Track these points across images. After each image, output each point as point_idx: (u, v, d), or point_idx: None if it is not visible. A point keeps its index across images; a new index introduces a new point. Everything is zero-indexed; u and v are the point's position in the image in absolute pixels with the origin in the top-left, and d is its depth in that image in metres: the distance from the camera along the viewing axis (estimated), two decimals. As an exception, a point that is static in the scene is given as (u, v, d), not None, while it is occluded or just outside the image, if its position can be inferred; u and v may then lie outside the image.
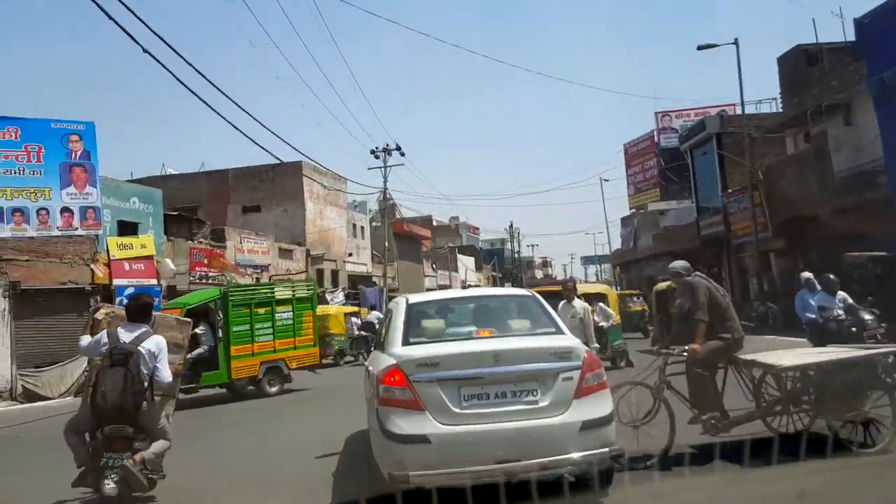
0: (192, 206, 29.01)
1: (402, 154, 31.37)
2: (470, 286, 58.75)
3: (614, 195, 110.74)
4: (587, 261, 66.00)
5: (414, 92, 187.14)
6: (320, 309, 22.38)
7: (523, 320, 5.45)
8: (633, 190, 46.68)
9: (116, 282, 19.95)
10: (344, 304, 29.04)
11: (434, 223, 54.73)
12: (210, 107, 14.21)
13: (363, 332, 21.29)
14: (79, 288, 18.72)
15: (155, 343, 5.45)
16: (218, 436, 9.35)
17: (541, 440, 4.44)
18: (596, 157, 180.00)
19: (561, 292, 9.80)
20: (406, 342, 5.00)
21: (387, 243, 32.90)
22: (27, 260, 17.52)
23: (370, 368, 5.42)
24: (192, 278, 23.45)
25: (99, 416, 5.20)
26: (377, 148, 31.64)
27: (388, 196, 31.98)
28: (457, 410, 4.45)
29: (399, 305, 5.59)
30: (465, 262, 56.70)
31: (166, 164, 33.78)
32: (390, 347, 5.04)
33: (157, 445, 5.40)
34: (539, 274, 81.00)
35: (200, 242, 24.54)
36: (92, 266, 19.29)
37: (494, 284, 67.56)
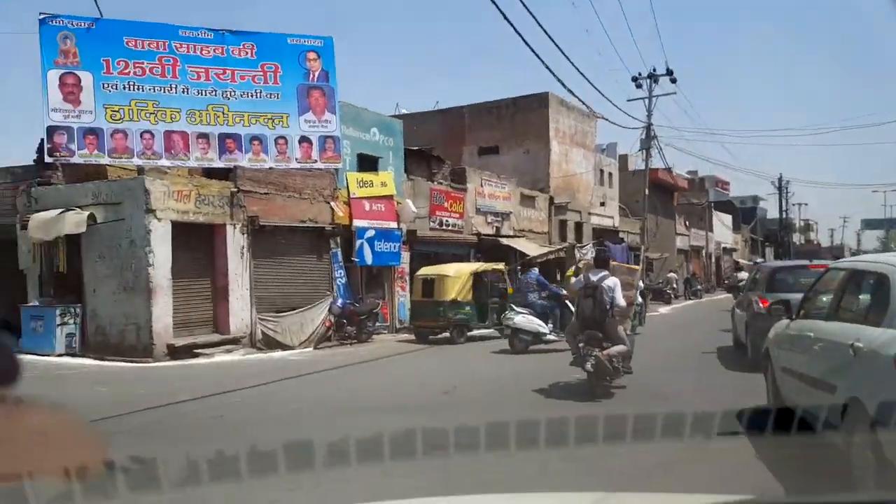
0: (427, 149, 26.32)
1: (674, 80, 25.72)
2: (725, 248, 50.69)
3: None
4: (868, 224, 53.18)
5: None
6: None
7: None
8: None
9: (356, 223, 17.55)
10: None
11: (673, 174, 47.49)
12: (514, 27, 10.57)
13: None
14: (318, 227, 16.49)
15: (612, 281, 8.22)
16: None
17: None
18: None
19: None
20: None
21: (647, 192, 27.66)
22: (265, 193, 15.49)
23: None
24: (431, 223, 20.61)
25: (581, 325, 8.32)
26: (640, 74, 26.37)
27: (651, 133, 26.61)
28: None
29: None
30: (724, 220, 48.40)
31: (399, 105, 31.33)
32: None
33: (618, 348, 8.11)
34: (799, 239, 68.57)
35: (440, 183, 21.58)
36: (332, 204, 16.98)
37: (754, 249, 58.15)
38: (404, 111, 31.39)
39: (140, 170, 13.82)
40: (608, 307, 7.98)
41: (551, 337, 12.93)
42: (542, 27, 13.51)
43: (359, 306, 15.45)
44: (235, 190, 14.68)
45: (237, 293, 14.52)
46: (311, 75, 17.09)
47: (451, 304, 14.81)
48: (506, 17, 11.82)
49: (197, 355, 13.16)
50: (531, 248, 22.88)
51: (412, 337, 16.09)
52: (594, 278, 8.10)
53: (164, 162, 15.27)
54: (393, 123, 19.79)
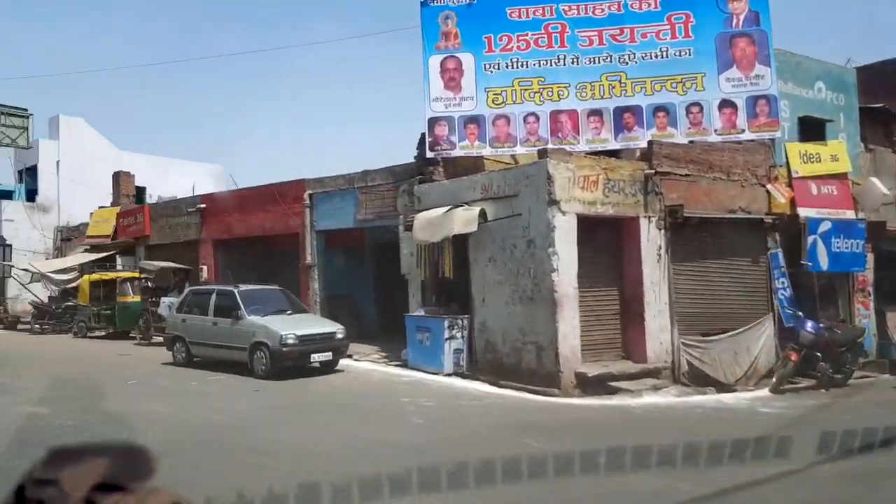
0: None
1: None
2: None
3: None
4: None
5: None
6: None
7: None
8: None
9: (802, 212, 12.63)
10: None
11: None
12: None
13: None
14: (753, 219, 12.04)
15: None
16: None
17: None
18: None
19: None
20: None
21: None
22: (685, 175, 11.61)
23: None
24: (902, 211, 14.47)
25: None
26: None
27: None
28: None
29: None
30: None
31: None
32: None
33: None
34: None
35: (910, 154, 15.22)
36: (768, 187, 12.38)
37: None
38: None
39: (542, 152, 11.11)
40: None
41: None
42: None
43: (839, 333, 10.53)
44: (651, 172, 11.10)
45: (654, 308, 10.92)
46: (735, 20, 12.84)
47: None
48: None
49: (614, 391, 9.86)
50: None
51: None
52: None
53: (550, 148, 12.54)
54: (844, 74, 14.28)
